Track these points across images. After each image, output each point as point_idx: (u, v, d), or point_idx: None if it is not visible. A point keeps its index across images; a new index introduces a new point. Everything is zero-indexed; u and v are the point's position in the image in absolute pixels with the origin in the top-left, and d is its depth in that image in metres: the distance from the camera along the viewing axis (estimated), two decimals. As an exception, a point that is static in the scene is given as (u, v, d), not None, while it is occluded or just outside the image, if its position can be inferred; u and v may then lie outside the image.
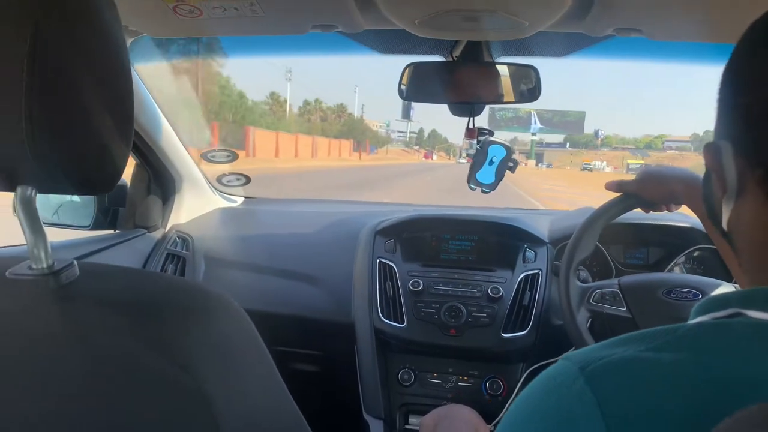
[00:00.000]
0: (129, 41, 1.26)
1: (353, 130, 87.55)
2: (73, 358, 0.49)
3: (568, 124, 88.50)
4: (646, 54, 1.30)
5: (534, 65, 1.24)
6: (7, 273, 0.54)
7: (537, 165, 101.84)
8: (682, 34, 1.04)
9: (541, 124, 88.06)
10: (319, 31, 1.09)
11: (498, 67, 1.25)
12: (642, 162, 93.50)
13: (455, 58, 1.25)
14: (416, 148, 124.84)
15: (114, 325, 0.51)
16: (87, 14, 0.51)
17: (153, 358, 0.49)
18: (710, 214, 0.53)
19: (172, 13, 1.01)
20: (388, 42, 1.27)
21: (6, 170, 0.51)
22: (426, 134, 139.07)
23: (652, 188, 1.10)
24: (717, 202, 0.49)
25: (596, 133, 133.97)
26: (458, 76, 1.27)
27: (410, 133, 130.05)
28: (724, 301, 0.42)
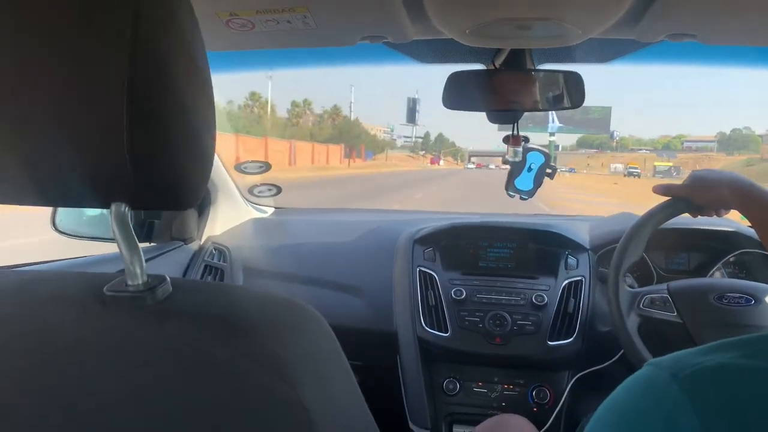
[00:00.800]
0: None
1: (346, 134, 76.96)
2: (177, 373, 0.49)
3: (591, 122, 75.67)
4: (693, 58, 1.29)
5: (577, 71, 1.24)
6: (105, 289, 0.54)
7: (560, 171, 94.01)
8: (737, 37, 1.03)
9: (561, 123, 73.98)
10: (368, 42, 1.09)
11: (541, 74, 1.25)
12: (670, 164, 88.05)
13: (497, 66, 1.24)
14: (422, 153, 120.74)
15: (210, 338, 0.52)
16: (178, 32, 0.51)
17: (252, 369, 0.49)
18: None
19: (225, 27, 1.01)
20: (431, 51, 1.27)
21: (105, 187, 0.51)
22: (432, 138, 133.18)
23: (701, 193, 1.09)
24: None
25: (612, 134, 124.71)
26: (500, 84, 1.27)
27: (416, 138, 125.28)
28: None
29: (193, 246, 1.75)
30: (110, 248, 1.56)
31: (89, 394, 0.46)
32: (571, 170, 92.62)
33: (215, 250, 1.73)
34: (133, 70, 0.46)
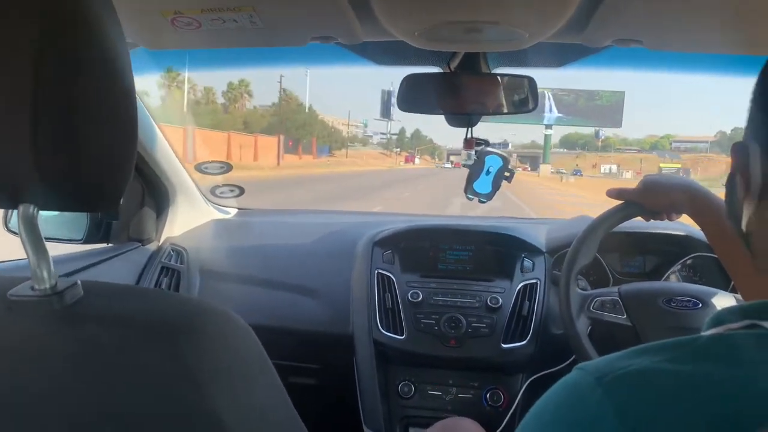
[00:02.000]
0: (126, 53, 1.25)
1: (290, 123, 58.48)
2: (82, 377, 0.48)
3: (599, 110, 56.26)
4: (644, 64, 1.30)
5: (531, 75, 1.25)
6: (8, 294, 0.52)
7: (555, 173, 73.50)
8: (682, 44, 1.05)
9: (560, 112, 56.88)
10: (319, 42, 1.08)
11: (495, 77, 1.25)
12: (678, 165, 79.84)
13: (452, 70, 1.25)
14: (397, 150, 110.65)
15: (123, 343, 0.51)
16: (91, 30, 0.50)
17: (164, 376, 0.49)
18: (731, 215, 0.53)
19: (170, 26, 1.00)
20: (386, 53, 1.27)
21: (9, 188, 0.50)
22: (408, 135, 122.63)
23: (654, 197, 1.10)
24: (738, 203, 0.49)
25: (597, 133, 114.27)
26: (455, 88, 1.27)
27: (391, 134, 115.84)
28: (739, 312, 0.42)
29: (151, 247, 1.72)
30: (69, 249, 1.54)
31: None
32: (576, 173, 77.80)
33: (173, 251, 1.71)
34: (38, 71, 0.45)
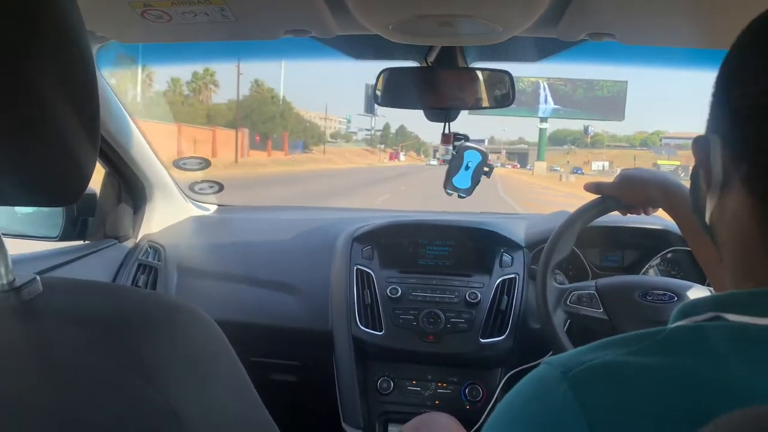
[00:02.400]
0: (96, 47, 1.23)
1: (257, 116, 51.88)
2: (36, 375, 0.47)
3: (600, 102, 49.77)
4: (619, 58, 1.31)
5: (508, 70, 1.25)
6: None
7: (551, 171, 69.13)
8: (654, 38, 1.05)
9: (557, 103, 50.53)
10: (292, 36, 1.07)
11: (473, 72, 1.25)
12: (677, 163, 74.16)
13: (430, 64, 1.24)
14: (381, 146, 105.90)
15: (79, 340, 0.50)
16: (49, 16, 0.48)
17: (121, 374, 0.48)
18: (695, 208, 0.53)
19: (141, 18, 0.98)
20: (362, 47, 1.27)
21: None
22: (393, 131, 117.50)
23: (630, 191, 1.11)
24: (702, 196, 0.49)
25: (586, 129, 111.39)
26: (433, 82, 1.27)
27: (375, 130, 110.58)
28: (703, 304, 0.43)
29: (128, 244, 1.70)
30: (43, 246, 1.52)
31: None
32: (577, 171, 74.97)
33: (150, 248, 1.69)
34: None
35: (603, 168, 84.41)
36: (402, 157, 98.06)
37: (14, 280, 0.52)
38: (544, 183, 36.99)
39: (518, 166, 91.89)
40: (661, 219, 1.47)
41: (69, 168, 0.52)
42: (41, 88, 0.47)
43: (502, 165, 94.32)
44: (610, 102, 49.15)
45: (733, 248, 0.47)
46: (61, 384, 0.47)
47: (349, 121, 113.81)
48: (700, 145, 0.48)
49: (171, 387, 0.49)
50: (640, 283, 1.23)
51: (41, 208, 1.57)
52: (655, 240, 1.53)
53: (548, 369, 0.42)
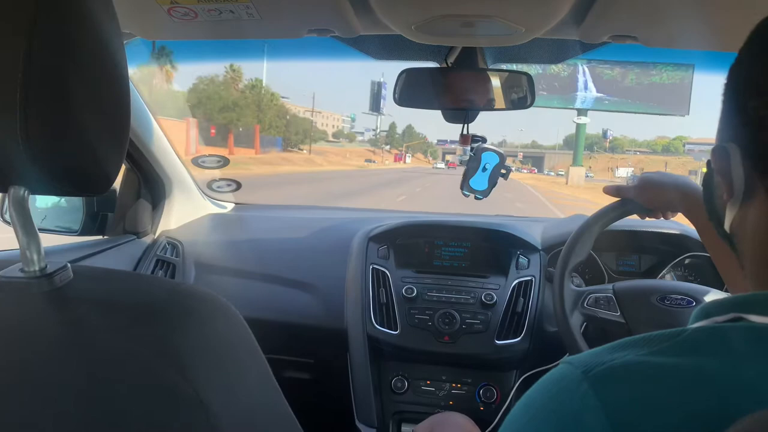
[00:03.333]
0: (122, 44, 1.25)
1: (215, 105, 41.59)
2: (69, 359, 0.48)
3: (658, 91, 34.50)
4: (640, 59, 1.30)
5: (528, 72, 1.25)
6: None
7: (587, 177, 55.80)
8: (677, 41, 1.04)
9: (600, 91, 36.75)
10: (315, 35, 1.08)
11: (492, 73, 1.25)
12: None
13: (450, 65, 1.25)
14: (386, 147, 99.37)
15: (110, 326, 0.51)
16: (84, 14, 0.50)
17: (150, 360, 0.49)
18: (711, 216, 0.53)
19: (167, 15, 1.00)
20: (383, 47, 1.27)
21: (0, 170, 0.50)
22: (400, 131, 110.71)
23: (650, 195, 1.10)
24: (720, 205, 0.49)
25: (605, 133, 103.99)
26: (452, 83, 1.27)
27: (380, 130, 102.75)
28: (725, 305, 0.42)
29: (147, 240, 1.72)
30: (65, 241, 1.54)
31: None
32: (632, 177, 65.96)
33: (168, 244, 1.71)
34: (30, 56, 0.45)
35: (627, 175, 73.90)
36: (408, 159, 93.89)
37: (46, 266, 0.53)
38: (588, 196, 26.32)
39: (535, 171, 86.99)
40: (679, 224, 1.46)
41: (99, 160, 0.53)
42: (77, 83, 0.49)
43: (517, 170, 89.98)
44: (671, 91, 34.81)
45: (754, 256, 0.47)
46: (93, 366, 0.48)
47: (353, 120, 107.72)
48: (718, 154, 0.48)
49: (199, 377, 0.50)
50: (657, 287, 1.22)
51: (61, 203, 1.59)
52: (672, 245, 1.52)
53: (569, 368, 0.41)
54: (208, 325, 0.55)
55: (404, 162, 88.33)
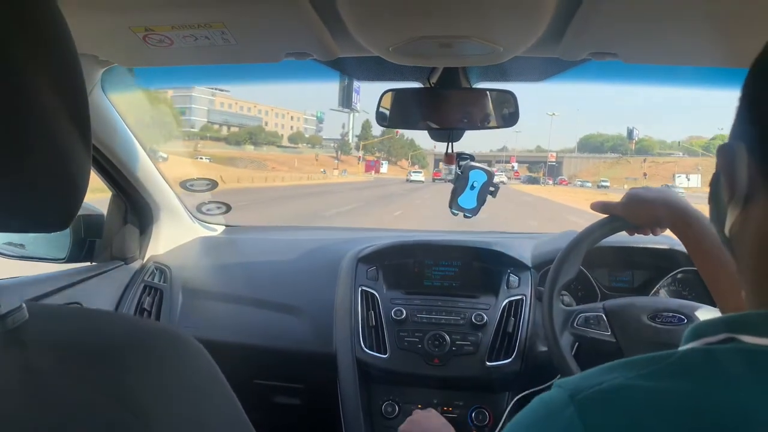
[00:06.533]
0: (101, 71, 1.24)
1: None
2: (22, 406, 0.47)
3: None
4: (625, 77, 1.30)
5: (511, 90, 1.24)
6: None
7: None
8: (656, 57, 1.04)
9: None
10: (294, 59, 1.08)
11: (476, 92, 1.25)
12: None
13: (432, 85, 1.24)
14: (359, 153, 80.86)
15: (65, 370, 0.49)
16: (42, 39, 0.48)
17: (107, 404, 0.47)
18: (714, 218, 0.52)
19: (142, 43, 0.99)
20: (364, 69, 1.27)
21: None
22: (378, 133, 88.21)
23: (637, 211, 1.09)
24: (723, 206, 0.48)
25: (630, 133, 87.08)
26: (436, 102, 1.27)
27: (346, 131, 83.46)
28: (717, 325, 0.41)
29: (135, 265, 1.70)
30: (41, 268, 1.52)
31: None
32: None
33: (156, 269, 1.69)
34: None
35: (689, 181, 58.64)
36: (385, 167, 75.57)
37: (0, 307, 0.51)
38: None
39: (566, 182, 69.68)
40: (670, 239, 1.45)
41: (59, 193, 0.51)
42: (25, 115, 0.47)
43: (528, 180, 72.62)
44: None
45: (752, 260, 0.45)
46: (44, 413, 0.46)
47: (319, 120, 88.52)
48: (724, 153, 0.46)
49: (156, 416, 0.48)
50: (648, 305, 1.20)
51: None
52: (664, 260, 1.50)
53: (557, 392, 0.41)
54: (166, 364, 0.54)
55: (376, 173, 70.55)
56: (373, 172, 70.87)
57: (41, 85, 0.48)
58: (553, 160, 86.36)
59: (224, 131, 75.17)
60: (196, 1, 0.87)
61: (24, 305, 0.53)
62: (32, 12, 0.48)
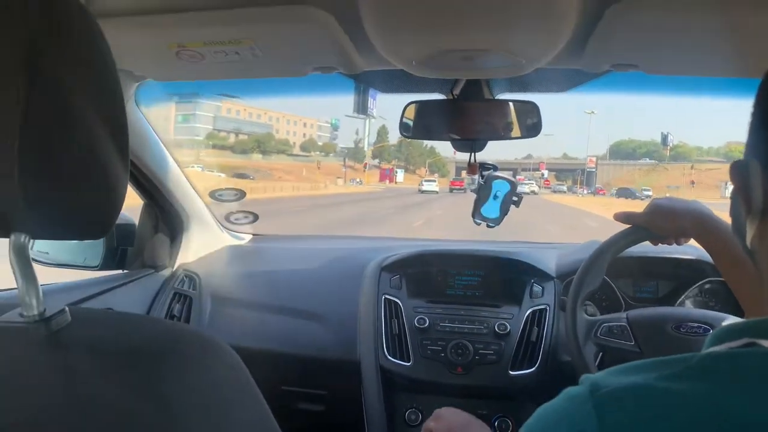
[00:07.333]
0: (135, 85, 1.29)
1: None
2: (62, 406, 0.49)
3: None
4: (648, 87, 1.30)
5: (534, 101, 1.25)
6: None
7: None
8: (677, 68, 1.04)
9: None
10: (320, 72, 1.10)
11: (499, 103, 1.26)
12: None
13: (455, 96, 1.26)
14: (374, 161, 76.38)
15: (103, 372, 0.51)
16: (84, 60, 0.51)
17: (142, 407, 0.49)
18: (735, 231, 0.52)
19: (176, 58, 1.03)
20: (388, 81, 1.29)
21: (1, 218, 0.51)
22: (393, 139, 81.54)
23: (661, 221, 1.09)
24: (742, 220, 0.48)
25: (665, 138, 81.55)
26: (459, 114, 1.28)
27: (361, 139, 77.08)
28: (738, 330, 0.42)
29: (165, 273, 1.75)
30: (82, 276, 1.57)
31: None
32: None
33: (186, 277, 1.73)
34: (28, 102, 0.46)
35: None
36: (400, 176, 70.42)
37: (44, 311, 0.54)
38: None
39: (604, 192, 62.54)
40: (696, 248, 1.44)
41: (100, 202, 0.55)
42: (76, 129, 0.50)
43: (560, 189, 66.00)
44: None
45: None
46: (82, 415, 0.49)
47: (335, 127, 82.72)
48: (739, 169, 0.47)
49: (191, 423, 0.50)
50: (672, 315, 1.20)
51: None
52: (690, 270, 1.49)
53: (581, 387, 0.42)
54: (201, 368, 0.56)
55: (392, 181, 65.98)
56: (387, 181, 66.82)
57: (84, 101, 0.51)
58: (593, 165, 79.38)
59: (231, 139, 71.62)
60: (227, 20, 0.90)
61: (67, 309, 0.56)
62: (75, 32, 0.51)
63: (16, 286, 0.55)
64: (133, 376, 0.51)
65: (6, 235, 0.53)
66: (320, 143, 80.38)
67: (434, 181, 47.75)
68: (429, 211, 21.22)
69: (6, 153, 0.46)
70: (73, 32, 0.51)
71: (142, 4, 0.91)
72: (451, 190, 43.26)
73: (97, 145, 0.53)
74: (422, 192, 40.43)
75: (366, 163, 70.96)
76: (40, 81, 0.47)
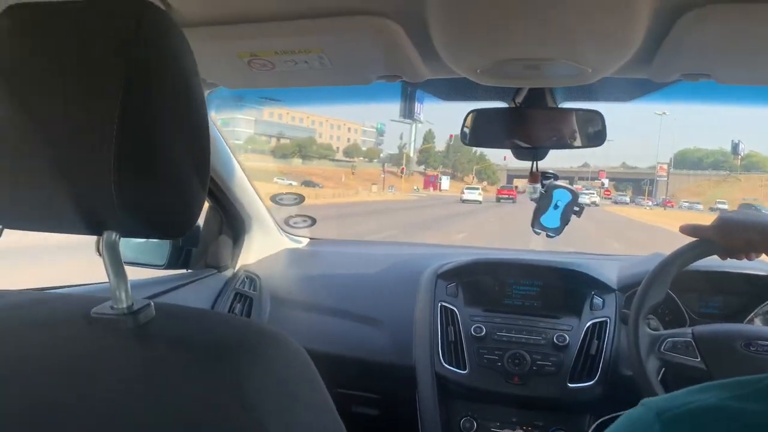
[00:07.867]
0: (206, 92, 1.35)
1: None
2: (145, 395, 0.52)
3: None
4: (719, 97, 1.26)
5: (598, 110, 1.24)
6: (92, 311, 0.58)
7: None
8: (753, 78, 1.01)
9: None
10: (384, 81, 1.12)
11: (562, 112, 1.25)
12: None
13: (518, 104, 1.26)
14: (420, 168, 73.23)
15: (186, 364, 0.54)
16: (171, 72, 0.55)
17: (219, 397, 0.51)
18: None
19: (247, 67, 1.07)
20: (451, 89, 1.30)
21: (94, 217, 0.55)
22: (440, 144, 79.95)
23: (729, 235, 1.06)
24: None
25: (735, 147, 74.16)
26: (522, 122, 1.28)
27: (413, 144, 72.77)
28: None
29: (227, 274, 1.81)
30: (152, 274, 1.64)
31: (50, 408, 0.48)
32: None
33: (247, 278, 1.78)
34: (124, 112, 0.50)
35: None
36: (446, 183, 65.81)
37: (132, 304, 0.58)
38: None
39: (673, 204, 54.10)
40: (765, 264, 1.38)
41: (182, 206, 0.58)
42: (163, 136, 0.54)
43: (617, 199, 59.47)
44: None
45: None
46: (166, 405, 0.51)
47: (380, 132, 79.15)
48: None
49: (265, 415, 0.52)
50: (742, 332, 1.15)
51: (150, 239, 1.70)
52: (760, 287, 1.43)
53: (644, 410, 0.42)
54: (275, 364, 0.58)
55: (436, 189, 62.16)
56: (431, 188, 62.64)
57: (171, 110, 0.55)
58: (663, 174, 70.91)
59: (272, 143, 70.01)
60: (298, 29, 0.93)
61: (152, 303, 0.60)
62: (166, 45, 0.55)
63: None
64: (214, 369, 0.54)
65: (99, 233, 0.57)
66: (364, 148, 78.16)
67: (477, 189, 43.61)
68: (462, 225, 18.16)
69: (103, 160, 0.50)
70: (165, 45, 0.55)
71: (218, 15, 0.96)
72: (498, 200, 39.79)
73: (182, 151, 0.57)
74: (463, 201, 36.06)
75: (403, 168, 67.03)
76: (135, 92, 0.51)
